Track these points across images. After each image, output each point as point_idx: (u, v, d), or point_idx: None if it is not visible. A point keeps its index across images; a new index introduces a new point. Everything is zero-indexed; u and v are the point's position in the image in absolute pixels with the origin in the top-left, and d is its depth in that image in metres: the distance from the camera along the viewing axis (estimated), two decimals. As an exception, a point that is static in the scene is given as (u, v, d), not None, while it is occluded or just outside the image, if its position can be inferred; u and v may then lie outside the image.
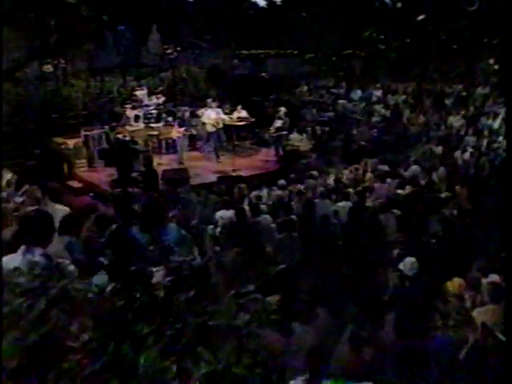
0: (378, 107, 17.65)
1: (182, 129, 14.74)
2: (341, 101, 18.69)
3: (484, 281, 4.87)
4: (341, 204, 9.37)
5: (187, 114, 15.65)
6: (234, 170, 13.41)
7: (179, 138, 14.55)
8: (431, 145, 14.33)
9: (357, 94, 19.02)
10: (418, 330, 4.02)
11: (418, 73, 19.06)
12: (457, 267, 6.10)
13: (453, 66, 18.75)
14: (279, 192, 10.53)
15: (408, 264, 5.67)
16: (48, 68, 17.96)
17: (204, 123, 14.64)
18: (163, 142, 15.14)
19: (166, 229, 4.63)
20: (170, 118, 15.79)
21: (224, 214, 8.60)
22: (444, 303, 4.60)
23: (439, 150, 13.82)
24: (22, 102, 15.43)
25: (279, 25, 18.78)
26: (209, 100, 15.38)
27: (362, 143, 15.20)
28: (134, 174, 11.69)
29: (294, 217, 8.02)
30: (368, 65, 20.56)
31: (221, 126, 14.41)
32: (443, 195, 10.06)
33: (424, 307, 4.56)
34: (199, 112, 15.39)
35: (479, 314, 4.13)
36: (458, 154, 13.40)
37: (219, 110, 14.68)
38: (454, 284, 5.06)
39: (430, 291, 5.06)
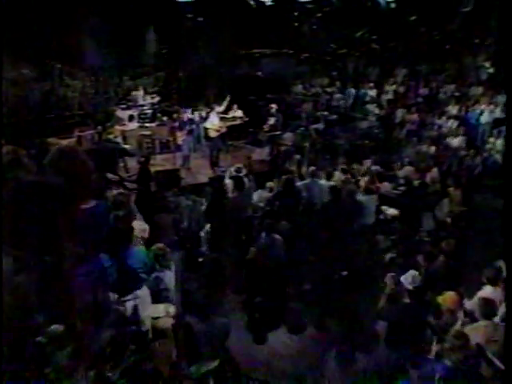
0: (372, 106, 17.62)
1: (184, 131, 14.56)
2: (335, 100, 18.66)
3: (475, 296, 4.82)
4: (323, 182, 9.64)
5: (186, 115, 15.49)
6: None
7: (184, 140, 14.30)
8: (424, 145, 14.33)
9: (351, 93, 18.98)
10: (410, 346, 4.01)
11: (411, 73, 19.04)
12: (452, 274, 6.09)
13: (446, 66, 18.72)
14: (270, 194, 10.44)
15: (409, 277, 5.46)
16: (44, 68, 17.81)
17: (207, 128, 14.48)
18: (157, 142, 15.05)
19: (130, 252, 4.36)
20: (164, 118, 15.70)
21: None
22: (437, 318, 4.55)
23: (432, 149, 13.83)
24: (18, 102, 15.27)
25: (274, 24, 18.69)
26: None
27: (357, 143, 15.16)
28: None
29: (284, 223, 8.03)
30: (361, 64, 20.54)
31: (224, 130, 14.32)
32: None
33: (416, 321, 4.53)
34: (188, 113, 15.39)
35: (470, 331, 4.09)
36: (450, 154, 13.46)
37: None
38: (446, 298, 4.97)
39: (423, 304, 4.98)
